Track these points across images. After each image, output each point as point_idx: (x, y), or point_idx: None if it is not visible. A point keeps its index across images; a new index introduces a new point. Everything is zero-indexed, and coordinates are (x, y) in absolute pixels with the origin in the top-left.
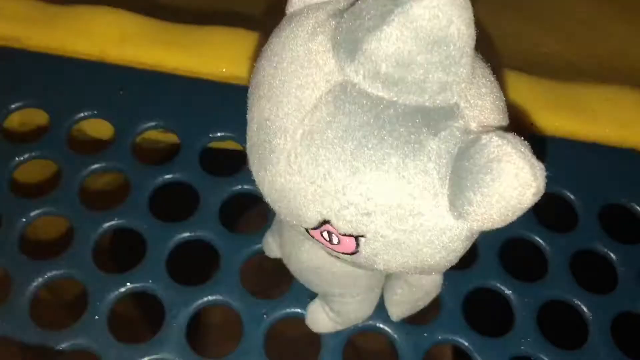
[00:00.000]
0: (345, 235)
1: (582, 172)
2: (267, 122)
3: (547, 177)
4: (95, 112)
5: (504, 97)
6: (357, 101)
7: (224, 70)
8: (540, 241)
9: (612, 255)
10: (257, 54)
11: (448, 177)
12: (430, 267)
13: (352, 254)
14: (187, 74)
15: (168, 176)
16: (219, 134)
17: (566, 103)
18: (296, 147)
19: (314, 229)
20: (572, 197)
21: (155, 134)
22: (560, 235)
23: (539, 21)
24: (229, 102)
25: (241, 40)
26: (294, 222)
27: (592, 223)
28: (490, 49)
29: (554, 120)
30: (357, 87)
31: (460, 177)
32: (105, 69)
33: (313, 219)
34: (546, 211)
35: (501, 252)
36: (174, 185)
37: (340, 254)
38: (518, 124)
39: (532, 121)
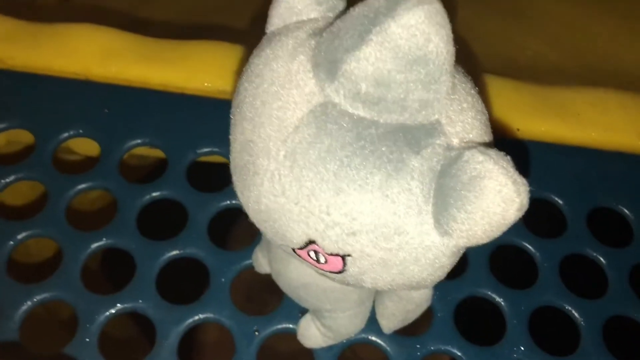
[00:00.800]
0: (331, 254)
1: (569, 176)
2: (250, 143)
3: (533, 185)
4: (81, 131)
5: (489, 103)
6: (338, 121)
7: (206, 84)
8: (530, 247)
9: (601, 259)
10: (241, 68)
11: (432, 195)
12: (418, 283)
13: (339, 272)
14: (172, 90)
15: (155, 193)
16: (205, 149)
17: (552, 107)
18: (279, 168)
19: (301, 248)
20: (559, 201)
21: (141, 151)
22: (549, 241)
23: (523, 23)
24: (215, 116)
25: (225, 54)
26: (280, 242)
27: (580, 227)
28: (474, 52)
29: (540, 125)
30: (338, 107)
31: (444, 194)
32: (90, 87)
33: (299, 239)
34: (534, 217)
35: (491, 259)
36: (162, 203)
37: (328, 273)
38: (504, 129)
39: (518, 126)
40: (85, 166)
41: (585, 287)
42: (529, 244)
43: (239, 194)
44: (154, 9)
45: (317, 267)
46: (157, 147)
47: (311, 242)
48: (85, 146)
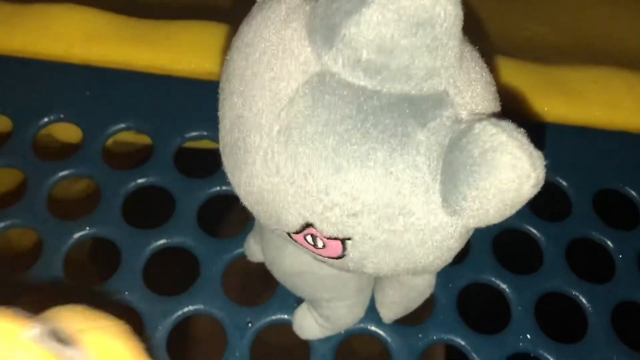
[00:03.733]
0: (330, 238)
1: (574, 157)
2: (240, 119)
3: (546, 165)
4: (62, 116)
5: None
6: (337, 92)
7: (193, 66)
8: (535, 231)
9: (608, 242)
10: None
11: (440, 171)
12: (423, 268)
13: (338, 258)
14: (157, 72)
15: (141, 180)
16: (193, 134)
17: (554, 87)
18: (273, 145)
19: (297, 233)
20: (564, 184)
21: (126, 136)
22: (554, 225)
23: (522, 3)
24: (203, 99)
25: (213, 34)
26: (275, 227)
27: (586, 210)
28: (473, 33)
29: (543, 105)
30: (336, 76)
31: (453, 170)
32: (71, 69)
33: (295, 222)
34: (539, 200)
35: (494, 244)
36: (148, 190)
37: (327, 259)
38: (504, 109)
39: (519, 106)
40: (67, 152)
41: (592, 272)
42: (534, 228)
43: (229, 175)
44: None
45: (314, 252)
46: (143, 131)
47: (308, 225)
48: (67, 132)
